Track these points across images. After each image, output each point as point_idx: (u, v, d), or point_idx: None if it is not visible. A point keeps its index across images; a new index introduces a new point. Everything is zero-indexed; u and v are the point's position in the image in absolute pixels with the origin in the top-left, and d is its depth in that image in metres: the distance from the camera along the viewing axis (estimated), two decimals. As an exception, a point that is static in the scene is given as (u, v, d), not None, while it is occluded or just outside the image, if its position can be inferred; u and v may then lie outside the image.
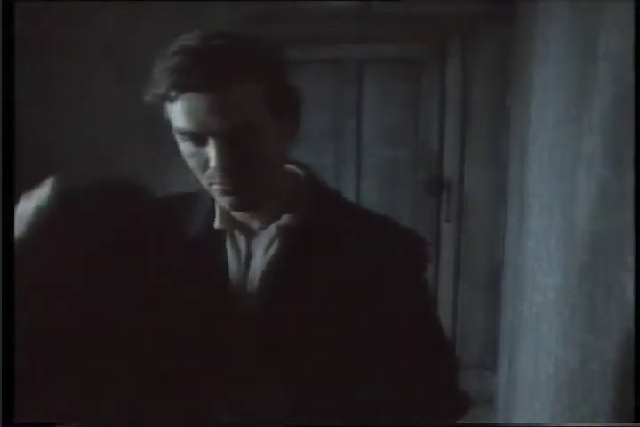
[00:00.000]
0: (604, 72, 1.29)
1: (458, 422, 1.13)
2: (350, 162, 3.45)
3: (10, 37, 1.45)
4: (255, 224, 1.06)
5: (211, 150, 0.92)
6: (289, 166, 1.11)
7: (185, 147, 0.96)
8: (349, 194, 3.39)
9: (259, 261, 1.05)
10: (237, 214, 1.06)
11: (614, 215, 1.17)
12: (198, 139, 0.93)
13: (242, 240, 1.06)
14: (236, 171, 0.94)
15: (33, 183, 1.03)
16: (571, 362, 1.47)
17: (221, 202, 1.00)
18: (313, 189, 1.10)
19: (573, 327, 1.46)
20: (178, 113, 0.91)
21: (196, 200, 1.11)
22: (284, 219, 1.04)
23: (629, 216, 1.05)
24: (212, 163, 0.92)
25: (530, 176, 2.33)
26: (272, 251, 1.04)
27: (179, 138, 0.96)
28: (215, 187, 0.96)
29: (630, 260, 1.04)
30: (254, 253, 1.06)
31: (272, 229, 1.04)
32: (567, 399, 1.49)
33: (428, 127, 3.36)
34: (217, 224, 1.06)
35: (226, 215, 1.06)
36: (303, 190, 1.08)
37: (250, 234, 1.07)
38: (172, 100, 0.90)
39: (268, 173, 0.99)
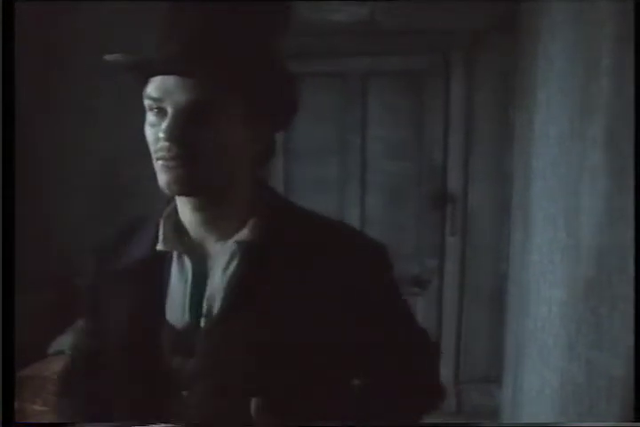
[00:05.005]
0: (607, 87, 1.30)
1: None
2: (354, 176, 3.45)
3: (10, 37, 1.46)
4: (211, 241, 1.01)
5: (165, 122, 0.90)
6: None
7: (148, 116, 0.95)
8: (354, 208, 3.40)
9: (217, 280, 1.00)
10: (193, 232, 1.01)
11: (618, 229, 1.17)
12: (160, 109, 0.92)
13: (188, 262, 1.01)
14: (183, 147, 0.90)
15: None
16: (576, 376, 1.46)
17: (162, 182, 0.93)
18: (270, 202, 1.05)
19: (578, 342, 1.46)
20: (153, 81, 0.91)
21: (147, 223, 1.06)
22: (243, 233, 0.99)
23: (631, 231, 1.05)
24: (162, 133, 0.90)
25: (534, 190, 2.34)
26: (232, 268, 0.99)
27: (146, 107, 0.95)
28: (160, 162, 0.93)
29: (632, 274, 1.04)
30: (211, 272, 1.00)
31: (231, 245, 0.99)
32: (573, 413, 1.49)
33: (432, 141, 3.36)
34: (159, 246, 1.00)
35: (172, 235, 1.01)
36: (260, 203, 1.03)
37: (202, 254, 1.01)
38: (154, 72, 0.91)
39: (220, 169, 0.94)
